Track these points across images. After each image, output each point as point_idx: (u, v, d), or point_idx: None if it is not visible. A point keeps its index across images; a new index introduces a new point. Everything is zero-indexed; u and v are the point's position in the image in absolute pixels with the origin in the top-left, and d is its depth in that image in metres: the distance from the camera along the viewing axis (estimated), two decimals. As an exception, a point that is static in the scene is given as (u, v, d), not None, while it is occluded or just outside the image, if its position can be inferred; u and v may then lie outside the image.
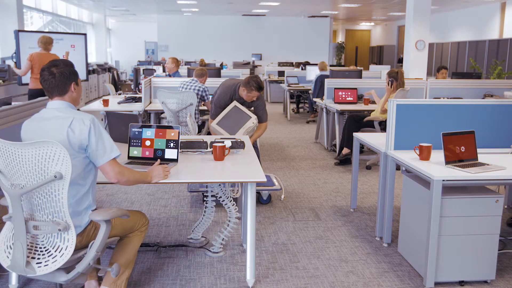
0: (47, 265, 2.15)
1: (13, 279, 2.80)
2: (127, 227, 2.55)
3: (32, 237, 2.22)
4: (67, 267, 2.23)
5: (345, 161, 6.18)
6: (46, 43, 7.16)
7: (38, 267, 2.16)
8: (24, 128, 2.37)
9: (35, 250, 2.20)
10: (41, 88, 7.35)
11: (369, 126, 5.85)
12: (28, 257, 2.18)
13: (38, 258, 2.18)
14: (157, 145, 3.05)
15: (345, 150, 6.10)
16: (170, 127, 3.06)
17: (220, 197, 3.35)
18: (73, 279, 2.24)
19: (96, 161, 2.33)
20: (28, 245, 2.20)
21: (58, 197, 2.13)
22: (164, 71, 10.42)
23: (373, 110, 6.11)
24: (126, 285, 2.60)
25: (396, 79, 5.77)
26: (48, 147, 2.06)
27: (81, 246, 2.29)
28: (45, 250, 2.19)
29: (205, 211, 3.55)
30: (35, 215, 2.20)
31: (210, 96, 5.73)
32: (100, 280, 2.72)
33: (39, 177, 2.11)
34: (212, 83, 6.83)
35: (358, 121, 5.98)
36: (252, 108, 4.60)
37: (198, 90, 5.57)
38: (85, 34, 9.82)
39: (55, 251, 2.17)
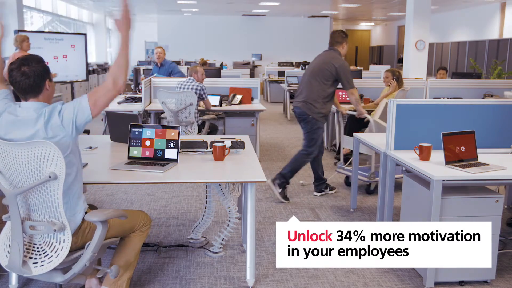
0: (43, 265, 2.15)
1: (13, 279, 2.80)
2: (127, 227, 2.51)
3: (29, 237, 2.22)
4: (64, 268, 2.22)
5: (346, 160, 6.17)
6: (22, 41, 6.45)
7: (34, 267, 2.16)
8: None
9: (33, 250, 2.20)
10: None
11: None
12: (25, 256, 2.18)
13: (35, 258, 2.18)
14: (157, 145, 3.05)
15: (345, 150, 6.09)
16: (170, 127, 3.06)
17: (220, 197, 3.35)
18: (70, 279, 2.24)
19: (86, 109, 2.29)
20: (25, 245, 2.20)
21: (54, 197, 2.12)
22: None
23: (372, 110, 6.11)
24: (128, 285, 2.57)
25: (399, 79, 5.90)
26: (42, 147, 2.05)
27: (77, 247, 2.27)
28: (42, 250, 2.19)
29: (205, 211, 3.55)
30: (32, 215, 2.20)
31: (209, 95, 5.75)
32: (101, 277, 2.71)
33: (34, 177, 2.11)
34: (212, 83, 6.84)
35: (359, 121, 5.96)
36: None
37: (196, 89, 5.56)
38: (85, 34, 9.81)
39: (51, 251, 2.16)
